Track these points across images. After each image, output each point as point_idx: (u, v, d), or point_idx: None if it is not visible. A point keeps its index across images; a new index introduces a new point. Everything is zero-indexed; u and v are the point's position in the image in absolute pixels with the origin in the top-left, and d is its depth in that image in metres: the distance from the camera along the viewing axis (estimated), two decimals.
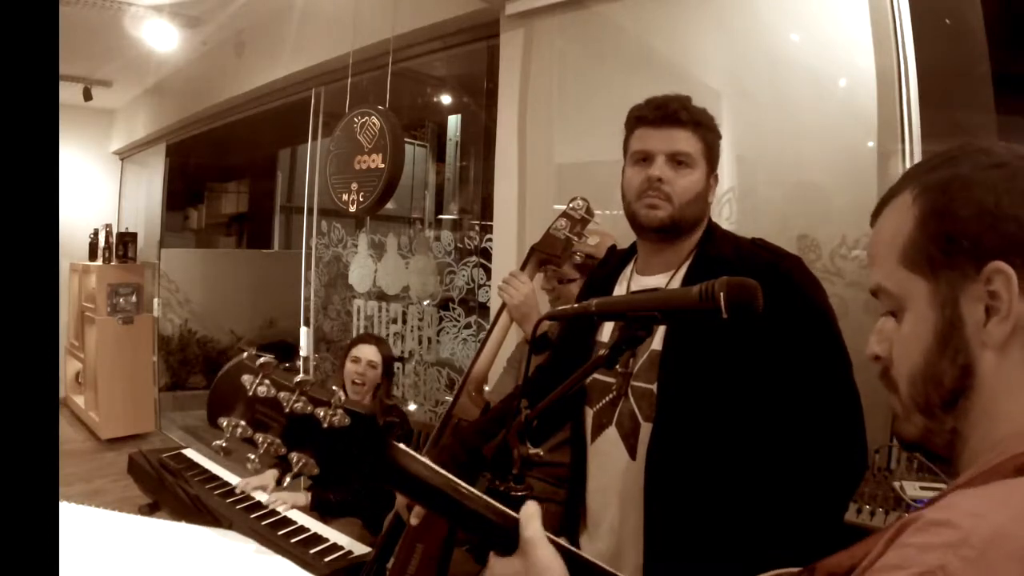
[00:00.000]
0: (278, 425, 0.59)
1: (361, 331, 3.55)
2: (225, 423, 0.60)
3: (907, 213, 0.54)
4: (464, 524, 0.60)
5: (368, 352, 2.40)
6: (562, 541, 0.62)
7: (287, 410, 0.58)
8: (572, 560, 0.60)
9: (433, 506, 0.61)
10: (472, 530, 0.60)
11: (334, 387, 0.60)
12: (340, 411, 0.58)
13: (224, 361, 5.58)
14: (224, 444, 0.61)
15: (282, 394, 0.59)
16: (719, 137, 1.22)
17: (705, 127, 1.18)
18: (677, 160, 1.15)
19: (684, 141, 1.15)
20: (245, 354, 0.64)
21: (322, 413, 0.58)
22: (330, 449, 0.58)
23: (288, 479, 0.59)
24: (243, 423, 0.60)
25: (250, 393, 0.59)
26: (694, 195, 1.15)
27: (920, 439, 0.56)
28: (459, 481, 0.61)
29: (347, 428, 0.57)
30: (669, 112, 1.15)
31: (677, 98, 1.18)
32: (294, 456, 0.59)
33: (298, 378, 0.60)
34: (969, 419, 0.51)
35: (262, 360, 0.61)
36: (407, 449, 0.61)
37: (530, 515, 0.60)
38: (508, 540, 0.60)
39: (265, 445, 0.59)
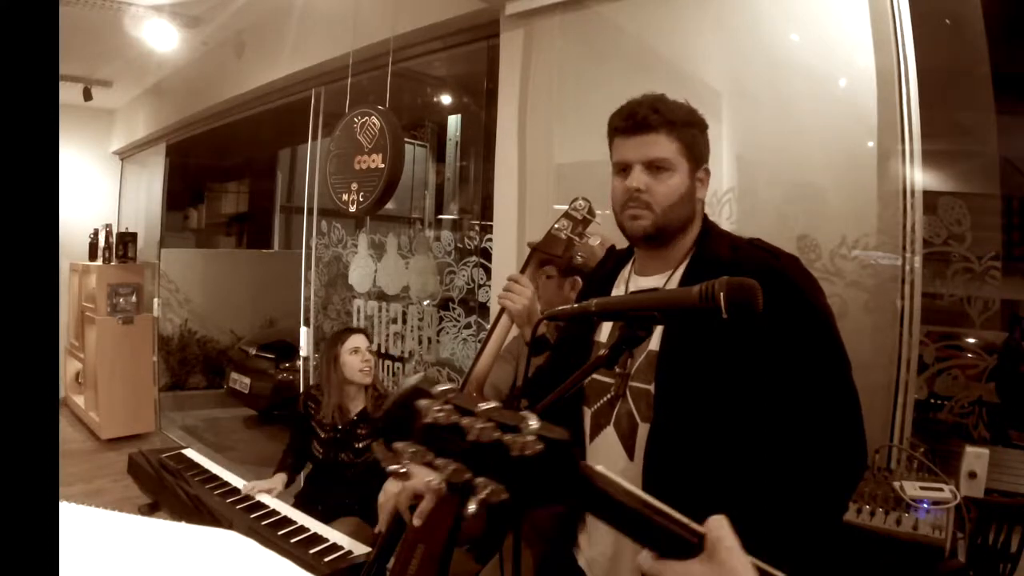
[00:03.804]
0: (460, 449, 0.55)
1: None
2: (402, 447, 0.56)
3: None
4: (653, 542, 0.58)
5: (362, 340, 2.45)
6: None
7: (470, 438, 0.54)
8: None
9: (624, 526, 0.58)
10: (658, 546, 0.58)
11: (524, 412, 0.55)
12: (532, 438, 0.53)
13: (223, 361, 5.55)
14: (401, 469, 0.58)
15: (465, 420, 0.55)
16: (703, 128, 1.17)
17: (681, 124, 1.13)
18: (655, 166, 1.12)
19: (658, 146, 1.12)
20: (421, 375, 0.61)
21: (510, 439, 0.53)
22: (521, 478, 0.54)
23: (473, 506, 0.53)
24: (421, 448, 0.56)
25: (427, 420, 0.55)
26: (677, 198, 1.13)
27: None
28: (650, 498, 0.58)
29: (540, 455, 0.53)
30: (639, 119, 1.12)
31: (647, 101, 1.14)
32: (480, 480, 0.54)
33: (483, 405, 0.56)
34: None
35: (442, 387, 0.57)
36: (601, 470, 0.57)
37: (721, 524, 0.57)
38: (693, 552, 0.57)
39: (449, 470, 0.55)
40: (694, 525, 0.57)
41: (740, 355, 1.02)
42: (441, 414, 0.56)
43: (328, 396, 2.38)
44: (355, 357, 2.38)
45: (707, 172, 1.18)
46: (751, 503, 1.01)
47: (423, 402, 0.56)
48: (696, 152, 1.15)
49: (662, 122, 1.12)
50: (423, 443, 0.56)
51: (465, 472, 0.55)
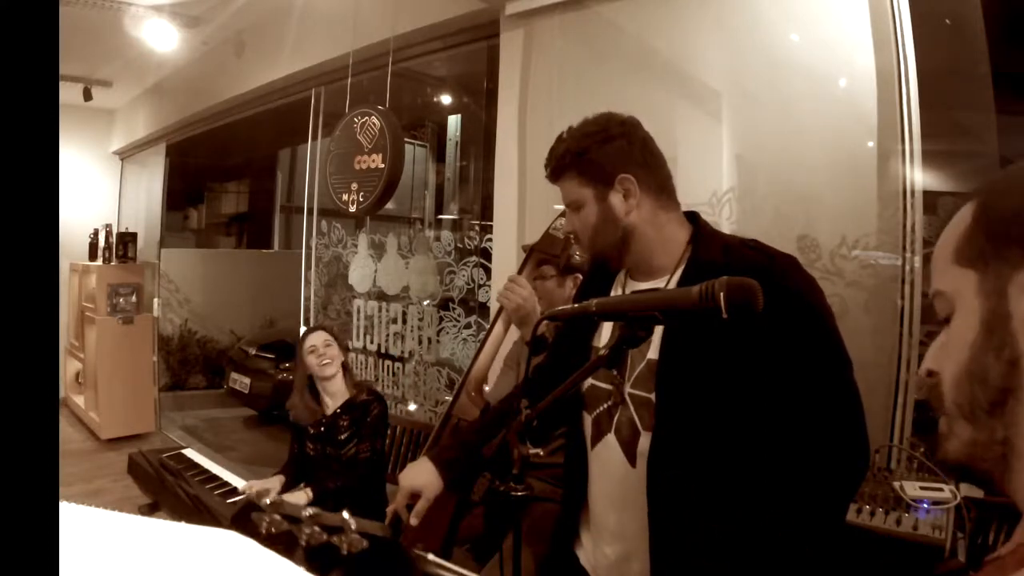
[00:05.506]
0: (301, 551, 0.61)
1: (361, 331, 3.55)
2: None
3: (964, 216, 0.54)
4: None
5: (318, 338, 2.40)
6: None
7: (303, 543, 0.60)
8: None
9: None
10: None
11: (344, 514, 0.61)
12: (355, 536, 0.59)
13: (223, 360, 5.54)
14: None
15: (295, 527, 0.60)
16: (608, 138, 1.12)
17: (577, 154, 1.13)
18: (572, 207, 1.17)
19: (568, 189, 1.17)
20: (253, 491, 0.65)
21: (338, 540, 0.59)
22: (360, 571, 0.59)
23: None
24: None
25: (263, 532, 0.60)
26: (592, 229, 1.15)
27: (966, 458, 0.52)
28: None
29: (367, 550, 0.59)
30: (549, 171, 1.18)
31: (553, 149, 1.17)
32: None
33: (307, 511, 0.61)
34: (1020, 427, 0.48)
35: (267, 500, 0.62)
36: (436, 559, 0.63)
37: None
38: None
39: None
40: None
41: (739, 360, 1.01)
42: (273, 527, 0.60)
43: (298, 396, 2.39)
44: (312, 357, 2.37)
45: (622, 181, 1.12)
46: (755, 506, 1.01)
47: (255, 515, 0.61)
48: (598, 174, 1.13)
49: (563, 166, 1.15)
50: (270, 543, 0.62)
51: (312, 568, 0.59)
